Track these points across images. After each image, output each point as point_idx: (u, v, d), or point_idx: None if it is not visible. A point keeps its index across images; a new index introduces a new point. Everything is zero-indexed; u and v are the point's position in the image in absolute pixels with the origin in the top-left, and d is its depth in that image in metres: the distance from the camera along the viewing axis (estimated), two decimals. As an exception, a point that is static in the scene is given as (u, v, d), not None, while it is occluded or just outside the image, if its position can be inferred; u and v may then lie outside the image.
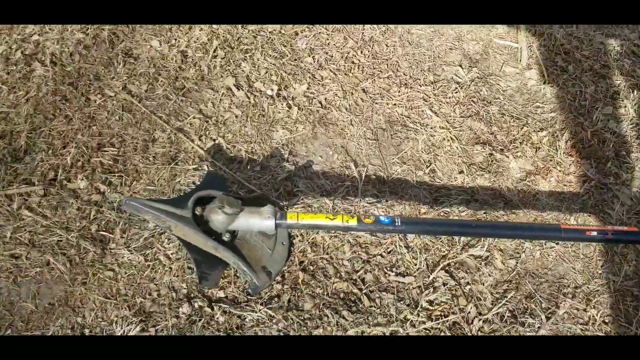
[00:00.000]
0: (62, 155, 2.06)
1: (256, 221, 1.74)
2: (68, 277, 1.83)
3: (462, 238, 1.98)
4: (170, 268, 1.86)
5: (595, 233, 1.81)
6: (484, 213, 2.04)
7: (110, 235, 1.92)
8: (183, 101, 2.23)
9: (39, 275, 1.83)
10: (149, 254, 1.89)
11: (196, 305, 1.79)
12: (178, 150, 2.11)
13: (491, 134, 2.22)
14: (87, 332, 1.75)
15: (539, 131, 2.22)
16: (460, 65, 2.39)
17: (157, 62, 2.33)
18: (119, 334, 1.73)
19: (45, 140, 2.09)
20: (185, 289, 1.83)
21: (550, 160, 2.16)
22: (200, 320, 1.77)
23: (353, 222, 1.74)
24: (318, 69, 2.35)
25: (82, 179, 2.00)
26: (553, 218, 2.05)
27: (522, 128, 2.23)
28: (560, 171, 2.14)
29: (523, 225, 1.90)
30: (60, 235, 1.89)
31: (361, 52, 2.41)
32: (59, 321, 1.76)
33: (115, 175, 2.03)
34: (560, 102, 2.31)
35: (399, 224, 1.75)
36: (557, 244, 2.00)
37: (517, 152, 2.18)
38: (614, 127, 2.25)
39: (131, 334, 1.73)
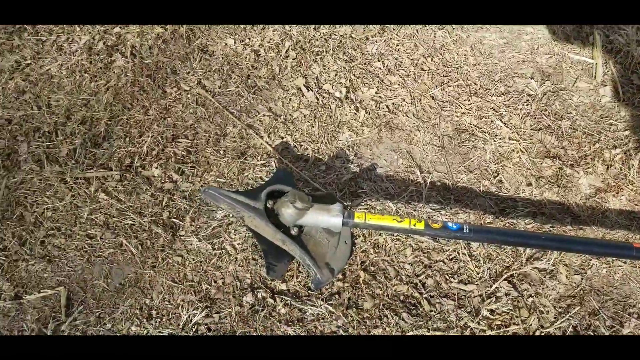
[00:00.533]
0: (138, 143, 2.21)
1: (324, 218, 1.83)
2: (139, 260, 1.97)
3: (527, 250, 2.03)
4: (236, 258, 1.97)
5: (668, 253, 1.83)
6: (551, 227, 2.07)
7: (181, 222, 2.05)
8: (254, 99, 2.36)
9: (112, 256, 1.98)
10: (216, 243, 2.01)
11: (259, 295, 1.90)
12: (247, 146, 2.23)
13: (562, 148, 2.25)
14: (154, 313, 1.87)
15: (611, 149, 2.24)
16: (532, 78, 2.44)
17: (231, 59, 2.46)
18: (184, 318, 1.85)
19: (123, 129, 2.25)
20: (249, 279, 1.93)
21: (623, 179, 2.18)
22: (262, 310, 1.87)
23: (420, 227, 1.80)
24: (387, 74, 2.44)
25: (157, 167, 2.15)
26: (622, 236, 2.06)
27: (594, 144, 2.26)
28: (632, 190, 2.16)
29: (594, 241, 1.92)
30: (134, 219, 2.03)
31: (431, 60, 2.49)
32: (128, 301, 1.90)
33: (187, 166, 2.16)
34: (635, 121, 2.32)
35: (467, 231, 1.80)
36: (624, 262, 2.01)
37: (588, 168, 2.20)
38: (692, 148, 2.25)
39: (196, 319, 1.85)
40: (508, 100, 2.38)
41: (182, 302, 1.89)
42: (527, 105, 2.36)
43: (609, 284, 1.98)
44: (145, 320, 1.86)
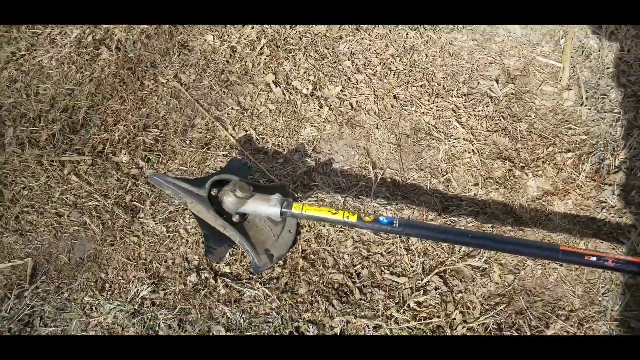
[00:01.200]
0: (112, 131, 2.41)
1: (264, 207, 1.97)
2: (99, 238, 2.17)
3: (464, 247, 2.11)
4: (187, 241, 2.15)
5: (594, 258, 1.86)
6: (491, 227, 2.14)
7: (141, 205, 2.23)
8: (225, 93, 2.52)
9: (76, 233, 2.19)
10: (171, 226, 2.18)
11: (203, 276, 2.07)
12: (212, 137, 2.39)
13: (515, 150, 2.31)
14: (107, 286, 2.07)
15: (564, 152, 2.28)
16: (497, 80, 2.49)
17: (208, 55, 2.63)
18: (133, 293, 2.04)
19: (100, 117, 2.45)
20: (196, 260, 2.10)
21: (571, 183, 2.22)
22: (204, 289, 2.04)
23: (353, 219, 1.91)
24: (355, 73, 2.54)
25: (125, 154, 2.34)
26: (562, 240, 2.12)
27: (548, 148, 2.30)
28: (579, 194, 2.20)
29: (520, 241, 1.97)
30: (99, 200, 2.24)
31: (400, 60, 2.57)
32: (85, 274, 2.10)
33: (154, 154, 2.35)
34: (595, 126, 2.35)
35: (397, 225, 1.90)
36: (560, 265, 2.07)
37: (538, 170, 2.25)
38: (646, 156, 2.27)
39: (143, 293, 2.04)
40: (469, 101, 2.44)
41: (133, 278, 2.08)
42: (486, 107, 2.42)
43: (542, 286, 2.05)
44: (98, 292, 2.06)
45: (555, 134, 2.35)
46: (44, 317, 2.03)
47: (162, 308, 2.02)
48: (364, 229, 2.12)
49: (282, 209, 1.95)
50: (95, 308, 2.04)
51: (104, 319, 2.00)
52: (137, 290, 2.05)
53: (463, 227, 2.15)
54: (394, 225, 1.89)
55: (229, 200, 1.96)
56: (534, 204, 2.20)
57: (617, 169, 2.24)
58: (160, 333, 1.97)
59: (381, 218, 1.91)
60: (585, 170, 2.24)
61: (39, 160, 2.32)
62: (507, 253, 2.06)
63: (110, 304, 2.03)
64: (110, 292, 2.06)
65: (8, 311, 2.03)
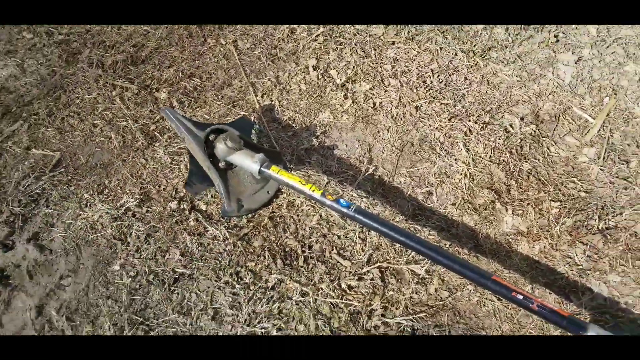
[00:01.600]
0: (163, 71, 3.01)
1: (246, 161, 2.42)
2: (116, 152, 2.76)
3: (414, 253, 2.39)
4: (183, 175, 2.66)
5: (520, 297, 2.05)
6: (450, 245, 2.41)
7: (160, 137, 2.80)
8: (269, 65, 3.02)
9: (101, 143, 2.81)
10: (175, 159, 2.72)
11: (182, 206, 2.57)
12: (241, 99, 2.90)
13: (507, 185, 2.54)
14: (105, 191, 2.65)
15: (554, 201, 2.47)
16: (522, 118, 2.72)
17: (269, 29, 3.15)
18: (122, 202, 2.59)
19: (159, 58, 3.08)
20: (182, 193, 2.61)
21: (547, 231, 2.41)
22: (178, 217, 2.54)
23: (317, 194, 2.29)
24: (390, 77, 2.92)
25: (165, 93, 2.92)
26: (512, 279, 2.32)
27: (540, 193, 2.50)
28: (549, 244, 2.38)
29: (457, 259, 2.21)
30: (129, 123, 2.84)
31: (437, 76, 2.90)
32: (94, 178, 2.71)
33: (188, 98, 2.91)
34: (601, 188, 2.50)
35: (352, 210, 2.25)
36: (499, 300, 2.28)
37: (520, 210, 2.47)
38: (638, 231, 2.37)
39: (129, 205, 2.59)
40: (485, 129, 2.70)
41: (128, 191, 2.65)
42: (499, 139, 2.67)
43: (472, 312, 2.28)
44: (97, 193, 2.65)
45: (555, 183, 2.54)
46: (49, 200, 2.67)
47: (138, 221, 2.55)
48: (323, 205, 2.46)
49: (261, 168, 2.38)
50: (89, 205, 2.63)
51: (92, 215, 2.59)
52: (126, 201, 2.61)
53: (423, 237, 2.43)
54: (350, 209, 2.24)
55: (220, 147, 2.43)
56: (501, 238, 2.42)
57: (597, 232, 2.39)
58: (129, 240, 2.51)
59: (341, 200, 2.28)
60: (566, 223, 2.41)
61: (97, 79, 3.00)
62: (441, 265, 2.29)
63: (102, 205, 2.61)
64: (106, 197, 2.65)
65: (25, 187, 2.69)
